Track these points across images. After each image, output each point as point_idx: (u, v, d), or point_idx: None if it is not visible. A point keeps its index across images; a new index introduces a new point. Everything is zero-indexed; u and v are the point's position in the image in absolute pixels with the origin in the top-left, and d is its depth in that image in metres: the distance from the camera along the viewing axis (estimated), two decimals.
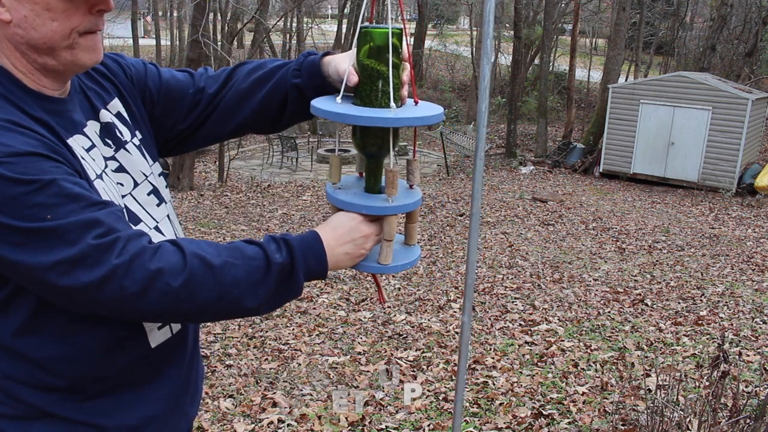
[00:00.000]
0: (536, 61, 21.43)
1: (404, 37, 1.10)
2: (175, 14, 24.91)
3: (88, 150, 1.05)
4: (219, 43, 12.96)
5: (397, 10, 1.13)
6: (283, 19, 19.49)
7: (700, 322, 4.95)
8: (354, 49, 1.12)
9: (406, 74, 1.12)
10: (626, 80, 19.90)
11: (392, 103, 1.07)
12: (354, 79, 1.09)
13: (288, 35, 22.10)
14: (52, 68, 0.99)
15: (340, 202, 1.11)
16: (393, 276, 6.33)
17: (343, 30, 21.58)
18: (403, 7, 1.11)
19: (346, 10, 21.66)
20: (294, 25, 22.33)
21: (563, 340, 4.51)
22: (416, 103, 1.15)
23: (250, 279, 0.97)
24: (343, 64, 1.15)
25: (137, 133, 1.19)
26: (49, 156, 0.92)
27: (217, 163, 13.79)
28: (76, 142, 1.02)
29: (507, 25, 23.22)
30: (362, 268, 1.13)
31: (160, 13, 31.22)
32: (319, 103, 1.10)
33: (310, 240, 1.05)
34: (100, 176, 1.04)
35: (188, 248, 0.95)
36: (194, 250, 0.95)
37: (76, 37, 0.97)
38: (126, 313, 0.94)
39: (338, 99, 1.12)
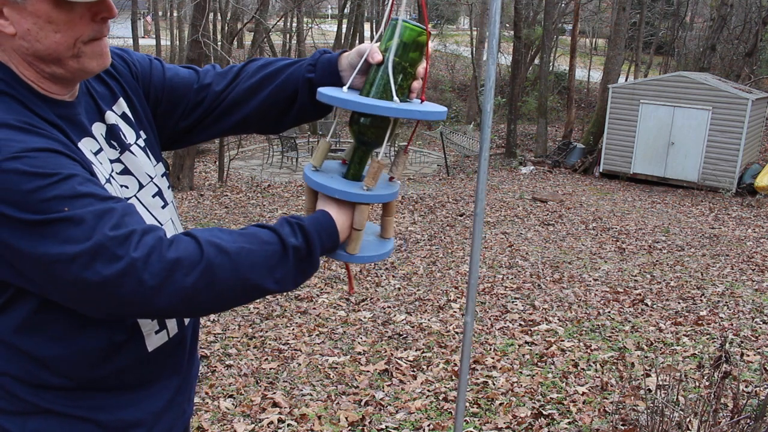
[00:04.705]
0: (536, 61, 21.42)
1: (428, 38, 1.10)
2: (175, 14, 24.90)
3: (96, 153, 1.05)
4: (219, 43, 12.96)
5: (410, 10, 1.12)
6: (283, 19, 19.49)
7: (700, 322, 4.95)
8: (380, 35, 1.12)
9: (421, 68, 1.12)
10: (626, 80, 19.90)
11: (395, 96, 1.07)
12: (378, 57, 1.08)
13: (288, 35, 22.09)
14: (61, 76, 0.99)
15: (315, 184, 1.10)
16: (393, 276, 6.33)
17: (343, 30, 21.57)
18: (425, 6, 1.11)
19: (346, 10, 21.65)
20: (294, 25, 22.32)
21: (563, 340, 4.51)
22: (422, 101, 1.15)
23: (268, 263, 0.97)
24: (361, 48, 1.14)
25: (142, 133, 1.18)
26: (66, 154, 0.92)
27: (217, 163, 13.79)
28: (85, 146, 1.03)
29: (507, 25, 23.21)
30: (330, 255, 1.11)
31: (160, 13, 31.21)
32: (326, 90, 1.10)
33: (321, 219, 1.05)
34: (108, 181, 1.04)
35: (203, 237, 0.95)
36: (209, 238, 0.95)
37: (81, 46, 0.97)
38: (143, 308, 0.92)
39: (345, 88, 1.12)
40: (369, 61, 1.10)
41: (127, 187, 1.10)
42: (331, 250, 1.07)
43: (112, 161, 1.09)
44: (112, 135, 1.11)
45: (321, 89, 1.11)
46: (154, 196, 1.15)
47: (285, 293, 5.59)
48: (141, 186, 1.13)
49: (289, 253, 0.99)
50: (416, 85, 1.12)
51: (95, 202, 0.89)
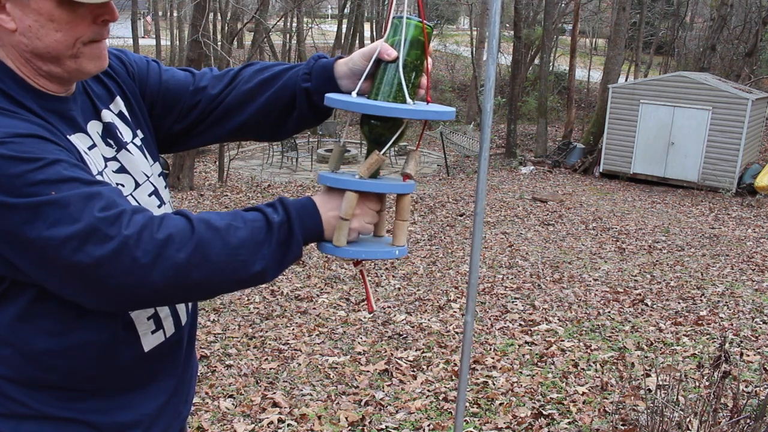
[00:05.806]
0: (536, 61, 21.42)
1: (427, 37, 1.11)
2: (175, 14, 24.91)
3: (89, 149, 1.05)
4: (219, 43, 12.96)
5: (410, 10, 1.12)
6: (283, 19, 19.49)
7: (700, 322, 4.95)
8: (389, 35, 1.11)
9: (426, 64, 1.13)
10: (626, 80, 19.90)
11: (408, 99, 1.08)
12: (393, 53, 1.08)
13: (288, 35, 22.10)
14: (57, 75, 1.00)
15: (318, 177, 1.12)
16: (393, 276, 6.33)
17: (343, 30, 21.59)
18: (423, 7, 1.11)
19: (346, 10, 21.67)
20: (294, 25, 22.33)
21: (563, 340, 4.51)
22: (428, 103, 1.15)
23: (254, 240, 0.98)
24: (365, 51, 1.13)
25: (138, 132, 1.18)
26: (52, 140, 0.93)
27: (217, 163, 13.78)
28: (77, 140, 1.03)
29: (507, 25, 23.21)
30: (320, 248, 1.11)
31: (160, 13, 31.21)
32: (337, 96, 1.11)
33: (302, 200, 1.07)
34: (100, 174, 1.04)
35: (193, 215, 0.96)
36: (198, 216, 0.97)
37: (80, 47, 0.98)
38: (138, 289, 0.91)
39: (354, 93, 1.12)
40: (383, 59, 1.10)
41: (123, 185, 1.10)
42: (314, 233, 1.06)
43: (107, 159, 1.09)
44: (109, 133, 1.11)
45: (330, 95, 1.11)
46: (150, 195, 1.15)
47: (285, 293, 5.59)
48: (137, 185, 1.13)
49: (273, 229, 1.00)
50: (423, 81, 1.13)
51: (82, 186, 0.90)
